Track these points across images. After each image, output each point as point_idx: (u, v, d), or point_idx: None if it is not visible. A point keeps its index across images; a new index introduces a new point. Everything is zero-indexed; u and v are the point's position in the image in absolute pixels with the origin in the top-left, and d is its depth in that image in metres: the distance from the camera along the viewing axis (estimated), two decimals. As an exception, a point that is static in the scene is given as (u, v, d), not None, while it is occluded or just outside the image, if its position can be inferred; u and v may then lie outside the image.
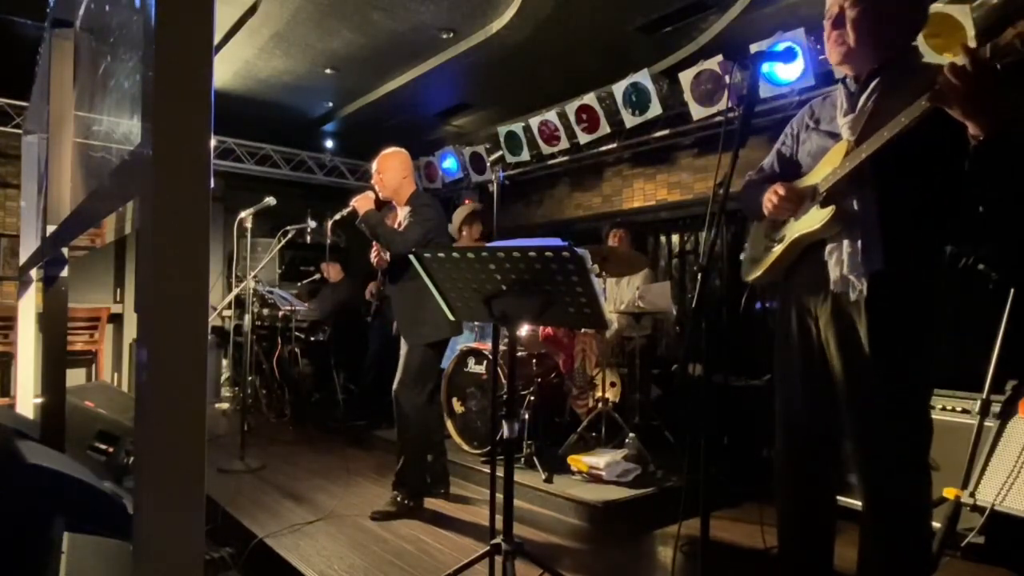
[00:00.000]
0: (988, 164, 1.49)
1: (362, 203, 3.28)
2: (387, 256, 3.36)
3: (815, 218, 1.76)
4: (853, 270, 1.68)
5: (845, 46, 1.75)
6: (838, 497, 2.02)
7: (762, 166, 2.08)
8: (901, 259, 1.65)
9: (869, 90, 1.74)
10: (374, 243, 3.40)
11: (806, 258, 1.82)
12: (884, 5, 1.72)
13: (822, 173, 1.79)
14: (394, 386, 3.27)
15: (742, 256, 2.09)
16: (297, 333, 6.11)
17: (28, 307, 2.78)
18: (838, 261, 1.72)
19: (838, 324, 1.75)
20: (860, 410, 1.73)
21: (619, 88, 4.97)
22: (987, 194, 1.60)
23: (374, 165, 3.44)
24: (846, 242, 1.70)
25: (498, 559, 2.11)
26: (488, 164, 6.23)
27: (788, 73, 4.08)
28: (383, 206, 3.47)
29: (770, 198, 1.85)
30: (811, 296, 1.82)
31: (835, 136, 1.82)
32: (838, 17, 1.75)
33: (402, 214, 3.38)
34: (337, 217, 3.45)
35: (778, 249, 1.88)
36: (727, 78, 4.21)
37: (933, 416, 2.94)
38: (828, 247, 1.75)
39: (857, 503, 2.82)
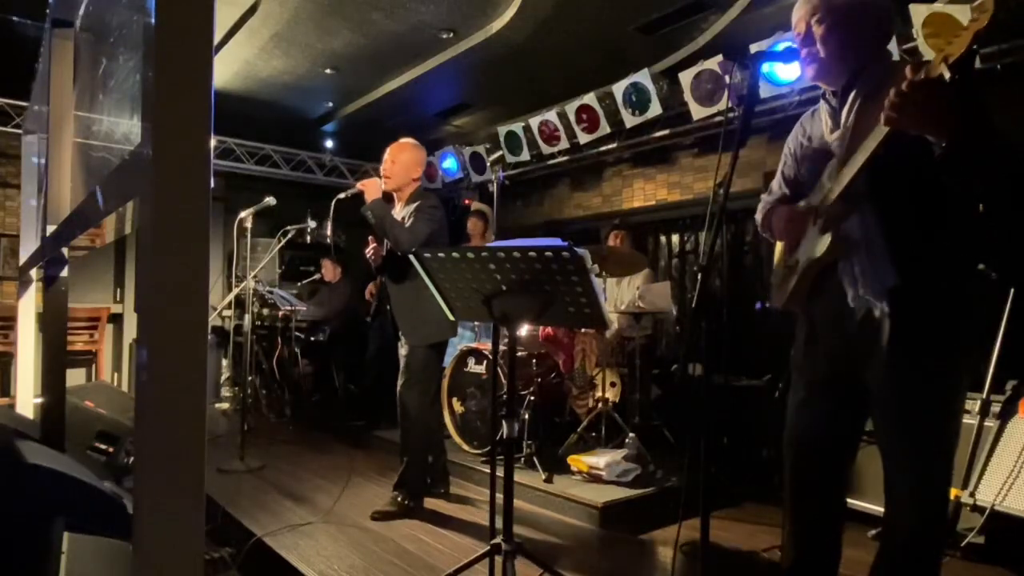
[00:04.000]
0: (954, 172, 1.51)
1: (371, 189, 3.13)
2: (383, 251, 3.25)
3: (818, 244, 1.75)
4: (867, 289, 1.66)
5: (817, 63, 1.74)
6: (849, 499, 2.00)
7: (771, 188, 2.08)
8: (917, 272, 1.61)
9: (848, 104, 1.74)
10: (371, 238, 3.28)
11: (824, 280, 1.80)
12: (851, 17, 1.71)
13: (819, 194, 1.79)
14: (398, 388, 3.26)
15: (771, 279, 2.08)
16: (297, 333, 6.11)
17: (28, 307, 2.78)
18: (851, 281, 1.70)
19: (863, 342, 1.71)
20: (887, 430, 1.70)
21: (619, 88, 4.97)
22: (964, 198, 1.62)
23: (387, 153, 3.28)
24: (855, 261, 1.68)
25: (498, 559, 2.11)
26: (488, 164, 6.23)
27: (788, 73, 4.08)
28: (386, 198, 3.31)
29: (776, 224, 1.87)
30: (836, 315, 1.78)
31: (827, 153, 1.82)
32: (807, 35, 1.74)
33: (403, 212, 3.25)
34: (342, 196, 3.29)
35: (795, 277, 1.86)
36: (727, 78, 4.21)
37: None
38: (840, 267, 1.72)
39: (862, 504, 2.82)
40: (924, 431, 1.65)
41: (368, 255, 3.32)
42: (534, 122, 5.75)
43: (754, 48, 3.94)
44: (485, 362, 4.03)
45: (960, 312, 1.65)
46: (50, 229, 1.99)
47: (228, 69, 5.33)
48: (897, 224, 1.64)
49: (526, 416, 3.76)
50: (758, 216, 2.08)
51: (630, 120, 5.03)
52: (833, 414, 1.82)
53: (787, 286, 1.89)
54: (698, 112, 4.60)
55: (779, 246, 2.01)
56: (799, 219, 1.82)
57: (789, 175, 2.01)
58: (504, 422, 2.09)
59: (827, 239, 1.72)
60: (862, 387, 1.73)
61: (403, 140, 3.33)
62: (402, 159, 3.26)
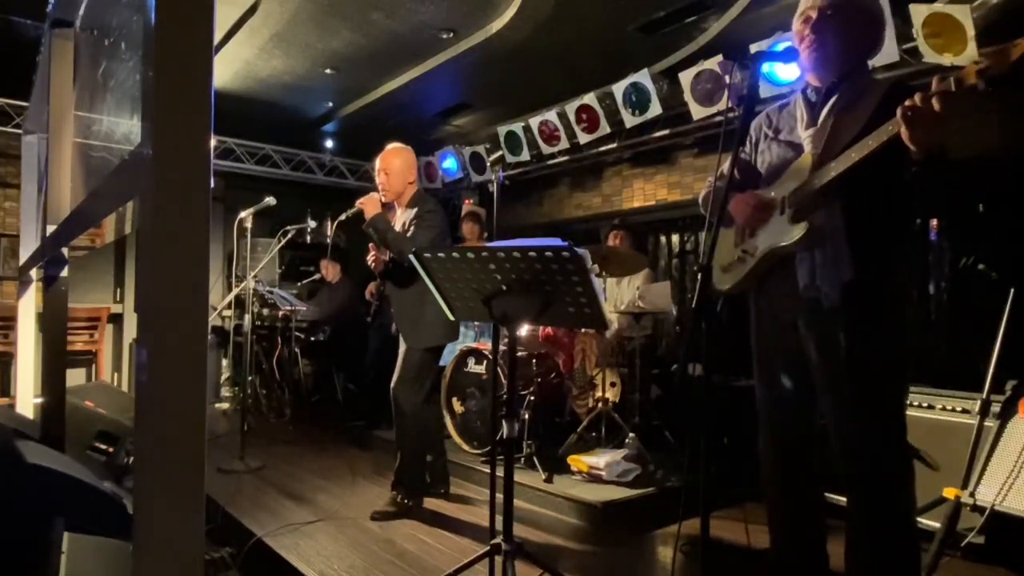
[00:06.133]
0: (928, 182, 1.61)
1: (369, 206, 3.16)
2: (385, 258, 3.29)
3: (788, 233, 1.80)
4: (824, 280, 1.73)
5: (820, 53, 1.78)
6: (829, 495, 2.05)
7: (722, 171, 2.10)
8: (870, 268, 1.70)
9: (830, 104, 1.79)
10: (371, 245, 3.32)
11: (779, 267, 1.86)
12: (860, 18, 1.77)
13: (788, 185, 1.82)
14: (392, 384, 3.27)
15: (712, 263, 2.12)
16: (297, 333, 6.11)
17: (28, 307, 2.77)
18: (808, 270, 1.76)
19: (814, 329, 1.79)
20: (839, 411, 1.77)
21: (619, 88, 4.96)
22: (931, 205, 1.72)
23: (378, 163, 3.29)
24: (817, 253, 1.75)
25: (498, 559, 2.11)
26: (488, 164, 6.19)
27: (788, 73, 4.07)
28: (386, 207, 3.35)
29: (739, 208, 1.89)
30: (787, 302, 1.85)
31: (796, 147, 1.86)
32: (817, 22, 1.77)
33: (404, 216, 3.28)
34: (342, 217, 3.35)
35: (752, 261, 1.91)
36: (727, 78, 4.21)
37: (933, 416, 2.97)
38: (798, 257, 1.79)
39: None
40: (870, 415, 1.72)
41: (369, 262, 3.36)
42: (534, 122, 5.75)
43: (754, 48, 3.94)
44: (485, 362, 4.03)
45: (901, 306, 1.76)
46: (50, 229, 1.99)
47: (228, 69, 5.33)
48: (860, 221, 1.71)
49: (526, 416, 3.76)
50: (701, 195, 2.11)
51: (630, 120, 5.03)
52: (792, 396, 1.89)
53: (740, 270, 1.95)
54: (698, 112, 4.59)
55: (721, 233, 2.05)
56: (764, 207, 1.87)
57: (745, 160, 2.05)
58: (504, 422, 2.09)
59: (801, 228, 1.76)
60: (812, 370, 1.81)
61: (390, 147, 3.33)
62: (395, 167, 3.26)
